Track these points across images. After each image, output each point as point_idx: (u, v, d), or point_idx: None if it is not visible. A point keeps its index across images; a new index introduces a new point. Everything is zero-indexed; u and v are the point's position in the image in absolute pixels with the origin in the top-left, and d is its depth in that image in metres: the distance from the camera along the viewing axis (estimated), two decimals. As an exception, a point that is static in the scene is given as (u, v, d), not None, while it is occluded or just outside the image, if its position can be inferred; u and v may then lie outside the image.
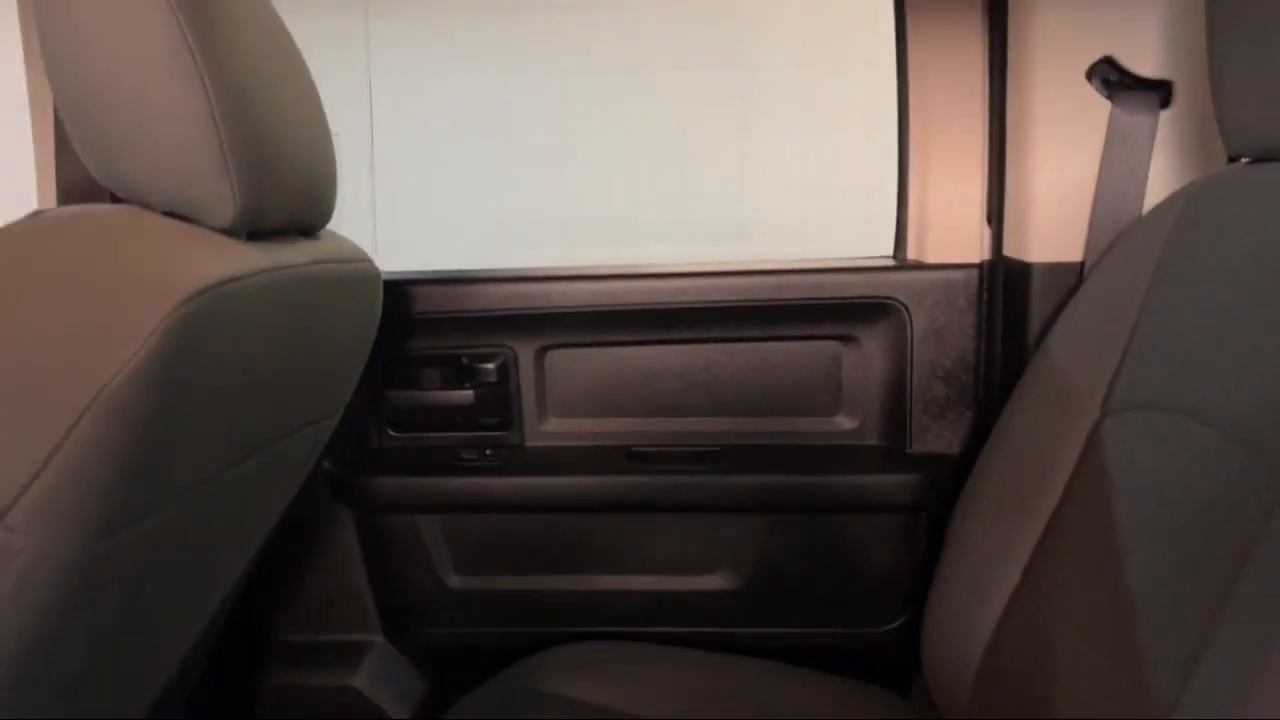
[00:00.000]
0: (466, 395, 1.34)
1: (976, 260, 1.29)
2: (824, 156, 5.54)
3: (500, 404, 1.34)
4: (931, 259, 1.31)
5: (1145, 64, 1.15)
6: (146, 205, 0.79)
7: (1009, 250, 1.26)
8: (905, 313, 1.29)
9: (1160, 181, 1.15)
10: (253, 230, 0.82)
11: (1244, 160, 0.93)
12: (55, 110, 1.17)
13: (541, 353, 1.34)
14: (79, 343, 0.65)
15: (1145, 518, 0.80)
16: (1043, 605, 0.96)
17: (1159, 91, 1.14)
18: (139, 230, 0.74)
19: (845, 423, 1.34)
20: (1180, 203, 0.98)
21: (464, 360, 1.34)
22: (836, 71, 5.48)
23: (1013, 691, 0.97)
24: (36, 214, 0.73)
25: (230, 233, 0.79)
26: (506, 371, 1.34)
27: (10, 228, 0.70)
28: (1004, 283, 1.25)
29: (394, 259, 1.34)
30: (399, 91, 6.08)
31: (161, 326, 0.66)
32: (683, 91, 6.12)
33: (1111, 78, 1.15)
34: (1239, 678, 0.61)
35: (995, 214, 1.26)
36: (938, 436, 1.30)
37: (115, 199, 1.09)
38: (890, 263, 1.33)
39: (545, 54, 6.32)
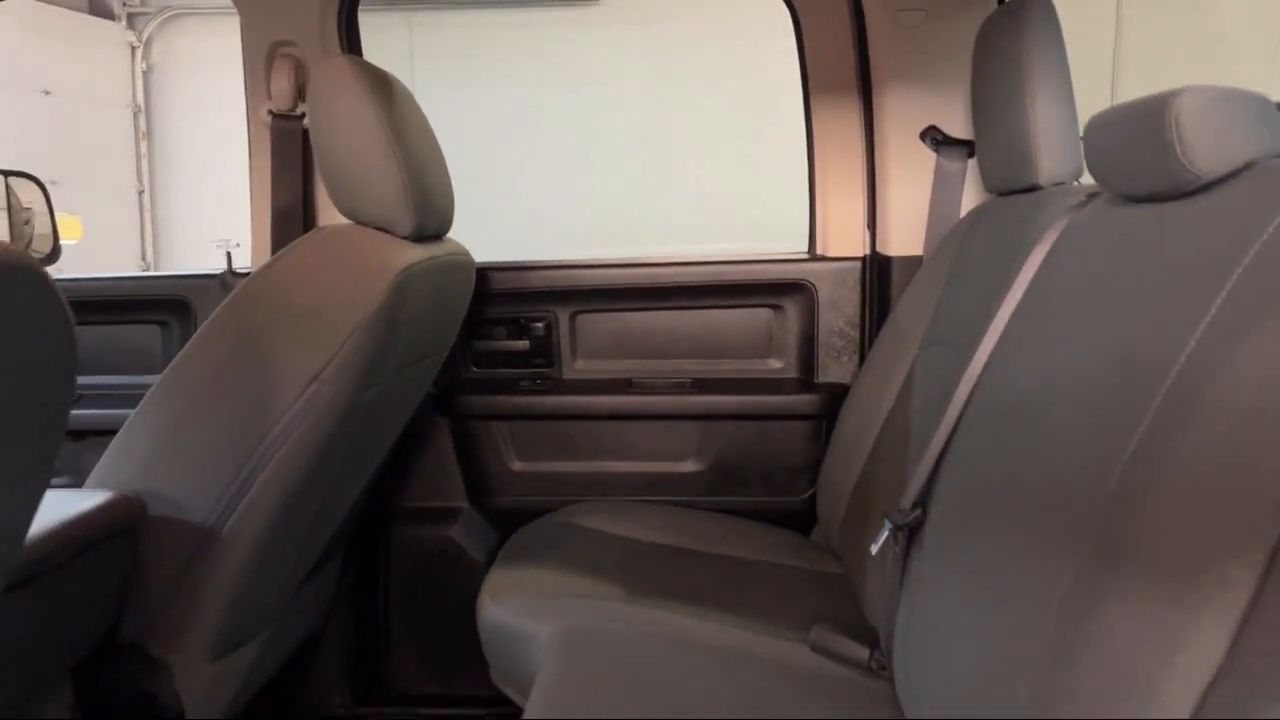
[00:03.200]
0: (523, 344, 2.01)
1: (860, 255, 1.95)
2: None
3: (546, 349, 2.02)
4: (832, 254, 1.97)
5: (959, 129, 1.80)
6: (363, 223, 1.47)
7: (879, 248, 1.92)
8: (814, 290, 1.96)
9: (968, 204, 1.80)
10: (418, 236, 1.49)
11: (995, 194, 1.59)
12: (270, 159, 1.85)
13: (574, 316, 2.02)
14: (351, 293, 1.32)
15: (932, 399, 1.42)
16: (883, 462, 1.61)
17: (968, 147, 1.79)
18: (367, 237, 1.42)
19: (774, 363, 2.01)
20: (966, 221, 1.64)
21: (521, 320, 2.01)
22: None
23: (858, 516, 1.63)
24: (318, 230, 1.41)
25: (409, 238, 1.47)
26: (550, 328, 2.01)
27: (310, 236, 1.38)
28: (876, 269, 1.92)
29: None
30: (441, 101, 6.72)
31: (389, 287, 1.34)
32: (702, 104, 6.68)
33: (937, 138, 1.81)
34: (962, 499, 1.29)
35: (870, 224, 1.93)
36: (834, 371, 1.96)
37: (305, 219, 1.84)
38: (805, 256, 2.00)
39: (573, 67, 6.91)
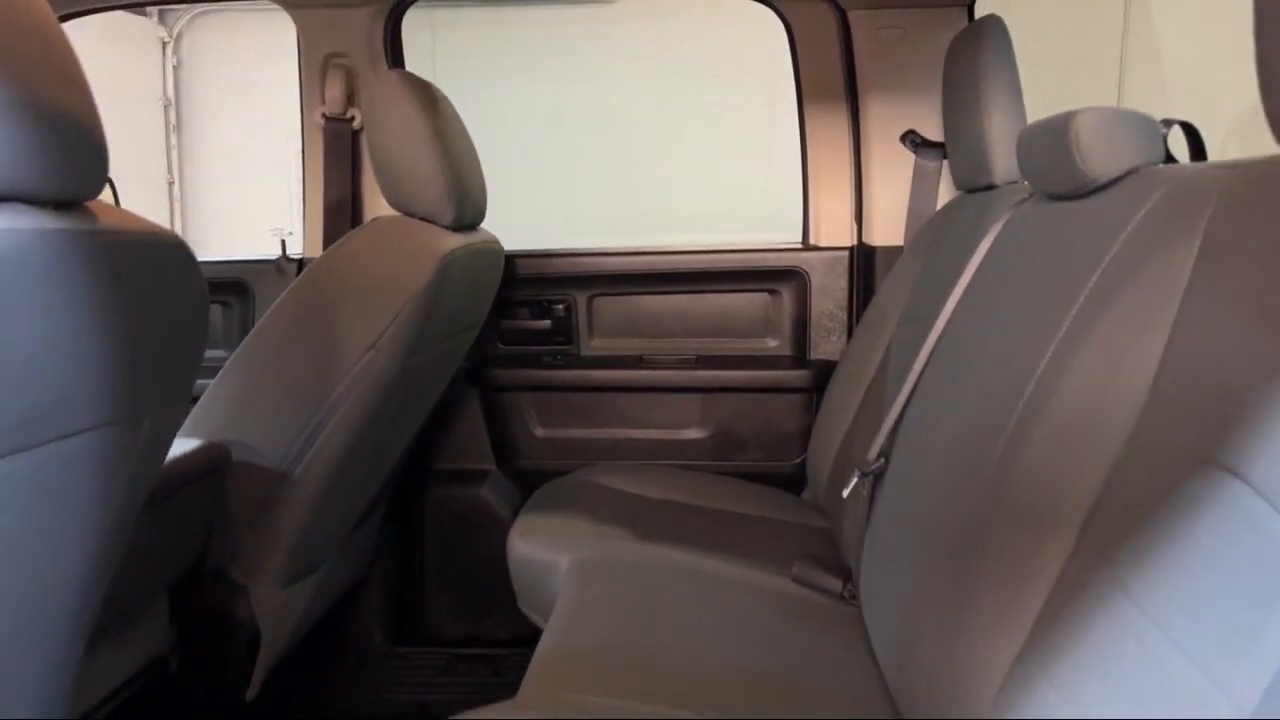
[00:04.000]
0: (545, 323, 2.24)
1: (848, 245, 2.17)
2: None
3: (566, 329, 2.25)
4: (823, 244, 2.19)
5: (935, 133, 2.02)
6: (411, 215, 1.70)
7: (865, 239, 2.14)
8: (807, 276, 2.18)
9: (943, 200, 2.02)
10: (457, 226, 1.72)
11: (963, 191, 1.81)
12: (323, 158, 2.08)
13: (591, 299, 2.24)
14: (403, 273, 1.56)
15: (901, 369, 1.64)
16: (862, 427, 1.83)
17: (942, 149, 2.01)
18: (415, 226, 1.65)
19: (771, 342, 2.23)
20: (939, 215, 1.87)
21: (544, 302, 2.24)
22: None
23: (841, 474, 1.85)
24: (374, 221, 1.65)
25: (450, 228, 1.70)
26: (569, 310, 2.24)
27: (367, 226, 1.61)
28: (862, 258, 2.14)
29: (503, 242, 2.23)
30: (462, 96, 6.94)
31: (435, 269, 1.57)
32: (712, 98, 6.89)
33: (915, 140, 2.03)
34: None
35: (857, 217, 2.15)
36: (824, 349, 2.18)
37: (353, 214, 2.08)
38: (799, 246, 2.22)
39: (588, 64, 7.13)
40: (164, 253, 0.94)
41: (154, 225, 0.94)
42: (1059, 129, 1.14)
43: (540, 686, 1.19)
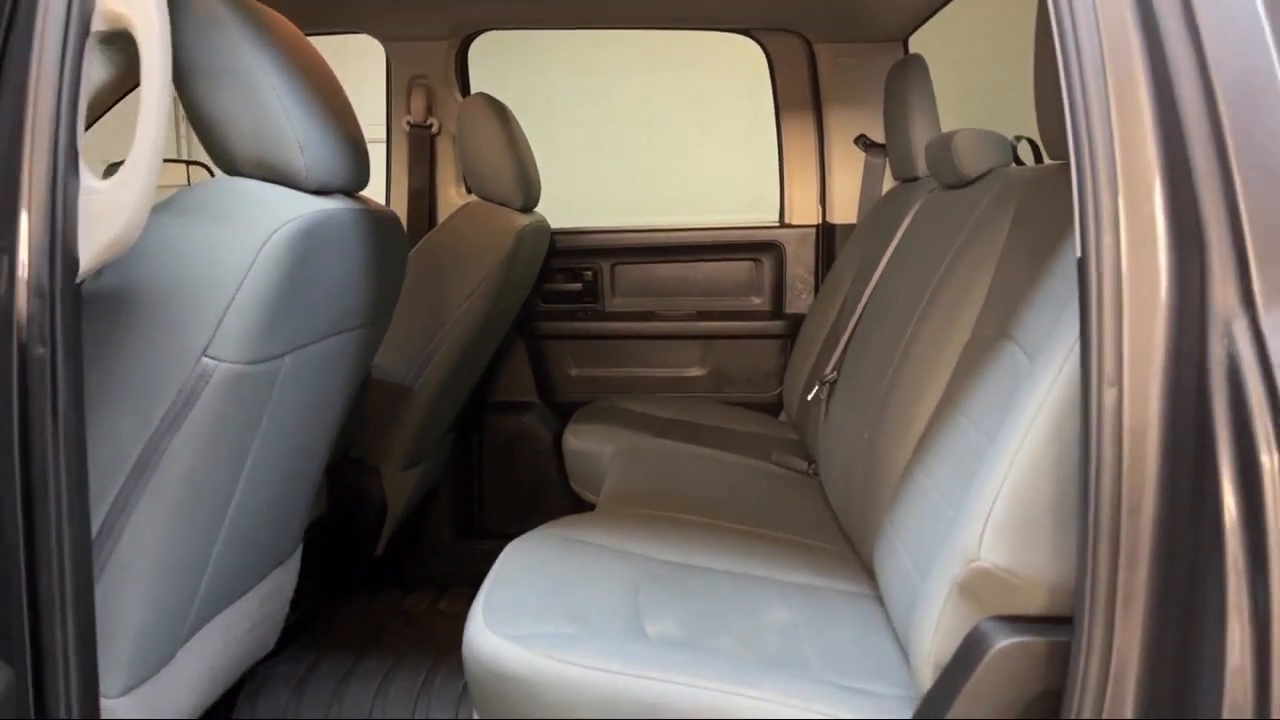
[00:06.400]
0: (577, 286, 2.84)
1: (815, 223, 2.78)
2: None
3: (594, 290, 2.85)
4: (796, 222, 2.80)
5: (880, 136, 2.63)
6: (490, 200, 2.30)
7: (828, 219, 2.76)
8: (783, 248, 2.79)
9: (886, 188, 2.63)
10: (524, 209, 2.32)
11: (899, 181, 2.43)
12: (408, 156, 2.68)
13: (613, 267, 2.85)
14: (491, 242, 2.16)
15: (849, 313, 2.27)
16: (822, 365, 2.45)
17: (884, 149, 2.62)
18: (496, 209, 2.26)
19: (755, 300, 2.85)
20: (883, 199, 2.48)
21: (576, 269, 2.84)
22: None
23: (806, 398, 2.47)
24: (466, 205, 2.25)
25: (519, 210, 2.30)
26: (596, 275, 2.84)
27: (461, 209, 2.21)
28: (825, 233, 2.76)
29: (543, 221, 2.83)
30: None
31: (514, 239, 2.17)
32: (701, 91, 7.44)
33: (865, 142, 2.64)
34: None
35: (822, 201, 2.76)
36: (796, 305, 2.80)
37: (430, 199, 2.69)
38: (776, 224, 2.83)
39: (581, 56, 7.66)
40: (391, 222, 1.54)
41: (382, 205, 1.54)
42: (946, 140, 1.75)
43: (611, 507, 1.81)
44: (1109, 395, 0.86)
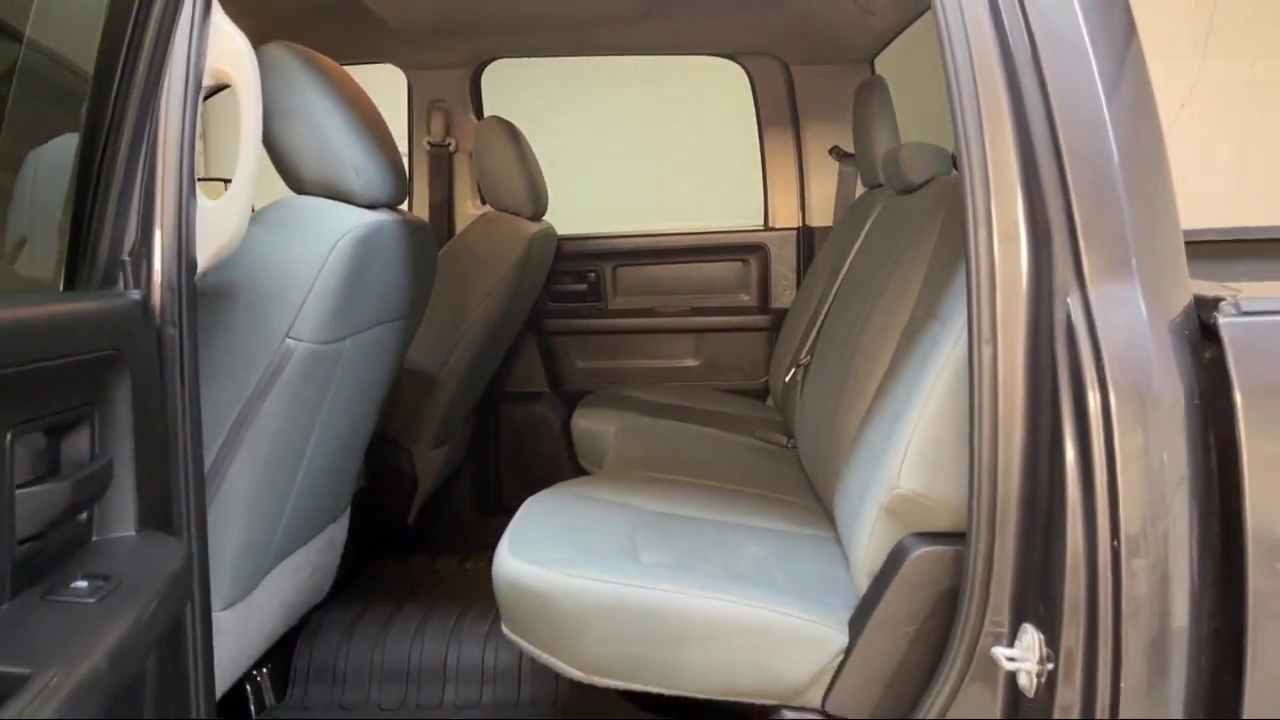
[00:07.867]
0: (582, 286, 3.14)
1: (796, 226, 3.08)
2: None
3: (597, 290, 3.15)
4: (779, 226, 3.10)
5: (851, 148, 2.92)
6: (504, 210, 2.60)
7: (807, 222, 3.06)
8: (768, 249, 3.09)
9: (858, 194, 2.92)
10: (533, 217, 2.62)
11: (867, 188, 2.72)
12: (428, 173, 2.98)
13: (615, 268, 3.14)
14: (505, 248, 2.46)
15: (822, 304, 2.56)
16: (801, 348, 2.74)
17: (854, 159, 2.92)
18: (509, 217, 2.56)
19: (743, 296, 3.14)
20: (854, 205, 2.78)
21: (581, 271, 3.14)
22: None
23: (788, 382, 2.76)
24: (483, 214, 2.55)
25: (529, 219, 2.60)
26: (599, 276, 3.14)
27: (479, 218, 2.52)
28: (805, 235, 3.05)
29: (550, 229, 3.13)
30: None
31: (525, 245, 2.47)
32: (696, 103, 7.71)
33: (839, 153, 2.94)
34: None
35: (801, 206, 3.06)
36: (780, 300, 3.09)
37: (449, 211, 3.00)
38: (761, 227, 3.13)
39: (579, 70, 7.94)
40: (424, 231, 1.85)
41: (417, 216, 1.84)
42: (896, 151, 2.05)
43: (614, 471, 2.10)
44: (986, 351, 1.15)
